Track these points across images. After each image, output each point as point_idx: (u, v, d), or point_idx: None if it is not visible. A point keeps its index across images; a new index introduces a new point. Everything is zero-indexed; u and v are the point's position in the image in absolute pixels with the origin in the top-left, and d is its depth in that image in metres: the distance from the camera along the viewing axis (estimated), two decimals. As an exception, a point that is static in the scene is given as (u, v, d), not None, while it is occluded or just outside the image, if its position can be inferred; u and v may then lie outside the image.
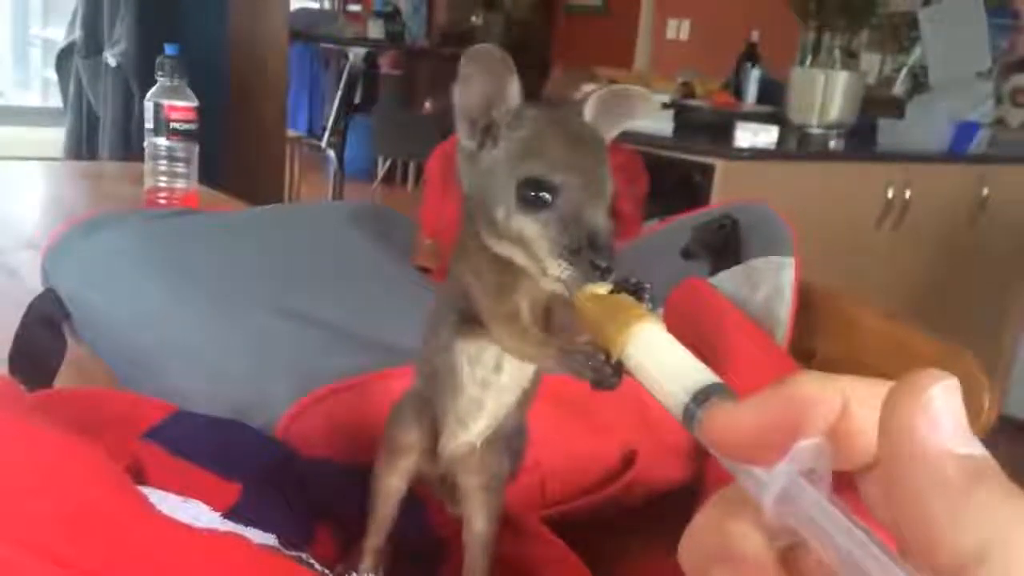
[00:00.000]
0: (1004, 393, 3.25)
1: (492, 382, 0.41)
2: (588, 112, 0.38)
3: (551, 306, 0.38)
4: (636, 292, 0.32)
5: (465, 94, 0.36)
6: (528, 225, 0.35)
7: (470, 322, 0.39)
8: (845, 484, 0.22)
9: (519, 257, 0.36)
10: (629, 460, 0.61)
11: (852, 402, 0.21)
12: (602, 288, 0.33)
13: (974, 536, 0.18)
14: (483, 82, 0.36)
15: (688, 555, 0.23)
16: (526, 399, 0.43)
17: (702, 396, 0.25)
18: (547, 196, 0.34)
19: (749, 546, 0.22)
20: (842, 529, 0.20)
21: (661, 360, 0.28)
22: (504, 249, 0.36)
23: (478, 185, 0.37)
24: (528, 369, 0.42)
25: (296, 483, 0.53)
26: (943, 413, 0.19)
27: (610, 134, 0.39)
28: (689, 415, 0.25)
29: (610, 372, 0.32)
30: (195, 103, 1.22)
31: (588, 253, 0.33)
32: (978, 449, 0.19)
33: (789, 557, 0.22)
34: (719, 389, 0.25)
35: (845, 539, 0.19)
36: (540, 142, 0.36)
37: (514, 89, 0.36)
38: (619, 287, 0.32)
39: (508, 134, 0.36)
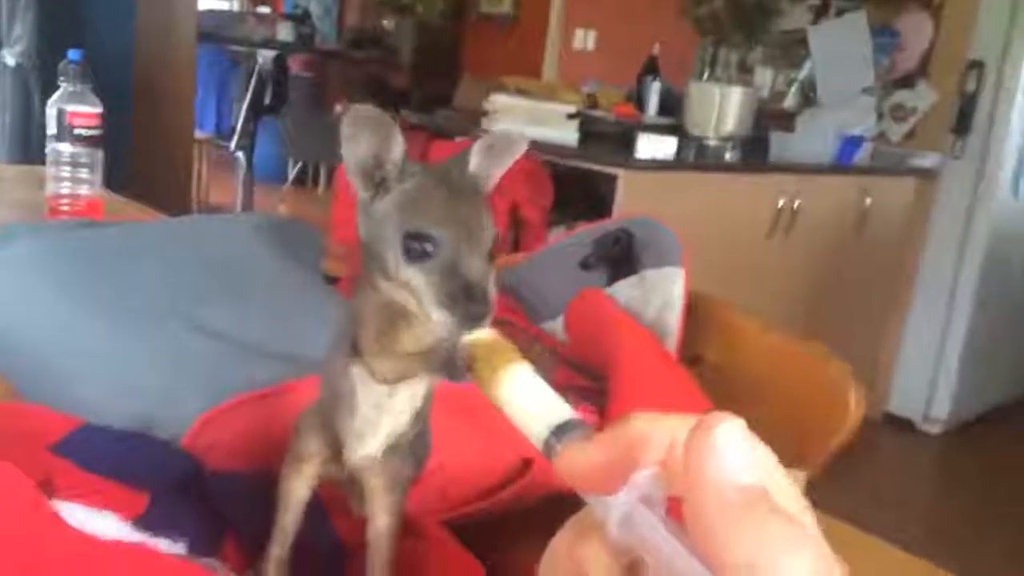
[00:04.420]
0: (888, 392, 3.43)
1: (385, 404, 0.45)
2: (474, 156, 0.42)
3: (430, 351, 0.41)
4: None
5: (353, 151, 0.39)
6: (414, 275, 0.38)
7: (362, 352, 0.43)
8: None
9: (409, 303, 0.39)
10: (527, 464, 0.65)
11: (677, 439, 0.25)
12: (479, 333, 0.36)
13: (744, 551, 0.22)
14: (370, 139, 0.39)
15: (546, 574, 0.27)
16: (421, 416, 0.46)
17: (560, 431, 0.29)
18: (429, 248, 0.38)
19: (597, 566, 0.25)
20: (671, 545, 0.23)
21: (527, 398, 0.32)
22: (396, 294, 0.40)
23: (372, 233, 0.40)
24: (419, 393, 0.45)
25: (204, 494, 0.54)
26: (727, 450, 0.23)
27: (495, 175, 0.43)
28: (548, 447, 0.29)
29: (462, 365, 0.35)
30: (99, 109, 1.19)
31: (465, 302, 0.37)
32: (756, 479, 0.23)
33: (634, 571, 0.26)
34: (576, 425, 0.29)
35: (672, 554, 0.23)
36: (423, 197, 0.39)
37: (398, 142, 0.40)
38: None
39: (396, 187, 0.40)
